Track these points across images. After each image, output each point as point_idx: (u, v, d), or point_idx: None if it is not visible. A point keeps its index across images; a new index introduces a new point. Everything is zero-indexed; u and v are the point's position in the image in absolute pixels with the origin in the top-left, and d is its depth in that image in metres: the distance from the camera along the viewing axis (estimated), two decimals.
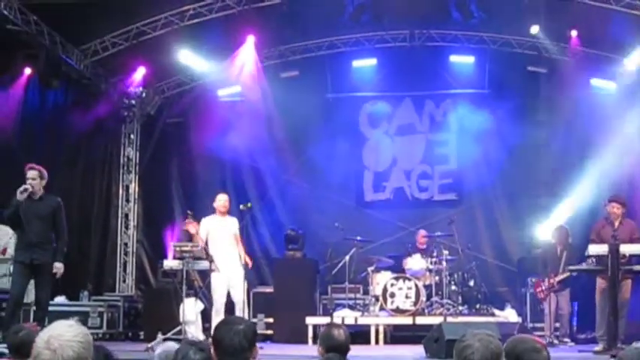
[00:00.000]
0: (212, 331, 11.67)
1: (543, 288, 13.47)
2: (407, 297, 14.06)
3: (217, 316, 12.18)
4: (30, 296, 11.84)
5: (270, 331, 15.21)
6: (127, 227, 18.89)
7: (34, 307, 11.31)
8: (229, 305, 12.70)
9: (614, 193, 12.62)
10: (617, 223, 11.66)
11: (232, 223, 12.82)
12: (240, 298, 12.39)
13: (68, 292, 15.73)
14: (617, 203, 11.90)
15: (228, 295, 12.53)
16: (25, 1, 14.08)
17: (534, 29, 16.36)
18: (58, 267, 10.98)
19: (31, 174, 10.97)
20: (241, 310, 12.39)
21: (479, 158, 18.13)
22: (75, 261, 15.74)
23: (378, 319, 14.10)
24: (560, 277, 13.26)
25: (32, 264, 10.89)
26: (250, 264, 13.14)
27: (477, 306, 15.12)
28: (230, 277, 12.34)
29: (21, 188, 10.79)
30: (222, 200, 12.89)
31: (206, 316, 13.73)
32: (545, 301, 13.54)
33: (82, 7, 14.34)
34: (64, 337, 3.95)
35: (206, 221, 12.76)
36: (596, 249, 11.00)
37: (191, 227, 13.32)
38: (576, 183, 17.27)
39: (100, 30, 16.48)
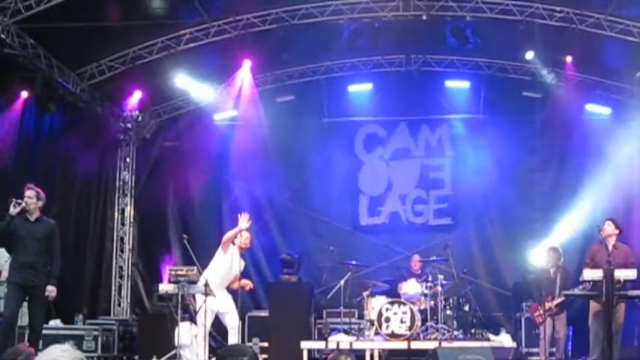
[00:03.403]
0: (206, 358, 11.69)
1: (541, 312, 13.44)
2: (402, 321, 14.00)
3: (204, 342, 12.16)
4: (24, 319, 11.81)
5: (265, 355, 15.17)
6: (122, 250, 18.85)
7: (28, 330, 11.27)
8: (222, 330, 12.67)
9: (609, 216, 12.65)
10: (611, 247, 11.68)
11: (241, 263, 12.76)
12: (235, 323, 12.35)
13: (63, 316, 15.68)
14: (613, 223, 11.95)
15: (218, 318, 12.49)
16: (22, 25, 14.12)
17: (529, 55, 16.43)
18: (50, 290, 10.95)
19: (28, 193, 11.02)
20: (236, 336, 12.34)
21: (474, 183, 18.18)
22: (70, 284, 15.72)
23: (373, 344, 14.04)
24: (558, 300, 13.24)
25: (26, 285, 10.88)
26: (250, 286, 13.12)
27: (472, 331, 15.09)
28: (219, 305, 12.29)
29: (14, 202, 10.83)
30: (246, 237, 12.80)
31: None
32: (542, 325, 13.50)
33: (78, 30, 14.40)
34: None
35: (230, 248, 12.63)
36: (590, 274, 10.99)
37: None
38: (571, 207, 17.33)
39: (96, 54, 16.54)
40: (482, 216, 18.31)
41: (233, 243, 12.51)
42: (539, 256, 16.36)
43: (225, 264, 12.46)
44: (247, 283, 12.94)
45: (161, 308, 15.85)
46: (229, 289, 12.67)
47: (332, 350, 13.00)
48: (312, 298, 16.20)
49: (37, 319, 11.10)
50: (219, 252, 12.50)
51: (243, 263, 12.86)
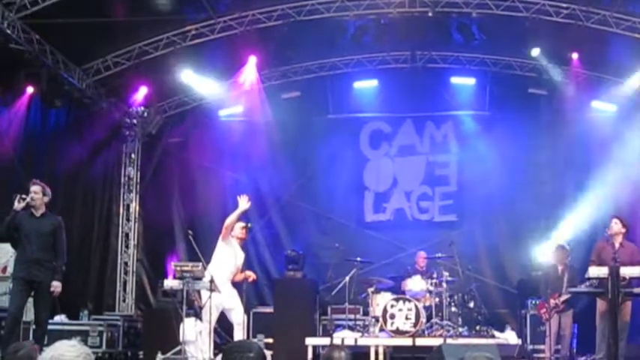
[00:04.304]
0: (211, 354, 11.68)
1: (548, 308, 13.40)
2: (407, 318, 13.99)
3: (209, 338, 12.16)
4: (29, 315, 11.81)
5: (269, 352, 15.15)
6: (127, 246, 18.88)
7: (34, 326, 11.27)
8: (227, 326, 12.66)
9: (615, 214, 12.64)
10: (617, 245, 11.68)
11: (241, 255, 12.79)
12: (240, 319, 12.34)
13: (68, 311, 15.70)
14: (620, 221, 11.95)
15: (223, 314, 12.48)
16: (28, 20, 14.13)
17: (535, 52, 16.42)
18: (56, 285, 10.94)
19: (33, 188, 11.02)
20: (241, 332, 12.33)
21: (479, 180, 18.16)
22: (75, 280, 15.75)
23: (377, 340, 14.02)
24: (565, 297, 13.19)
25: (31, 280, 10.87)
26: (253, 277, 13.12)
27: (477, 328, 15.06)
28: (225, 302, 12.27)
29: (19, 197, 10.83)
30: (241, 228, 12.81)
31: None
32: (549, 322, 13.46)
33: (84, 26, 14.41)
34: (66, 357, 3.94)
35: (229, 240, 12.64)
36: (596, 271, 10.96)
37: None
38: (577, 205, 17.31)
39: (102, 49, 16.56)
40: (488, 213, 18.27)
41: (231, 235, 12.55)
42: (545, 252, 16.37)
43: (228, 255, 12.46)
44: (250, 275, 12.95)
45: (166, 304, 15.82)
46: (234, 283, 12.67)
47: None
48: (317, 295, 16.19)
49: (42, 314, 11.08)
50: (220, 243, 12.52)
51: (243, 255, 12.88)
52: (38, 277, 10.86)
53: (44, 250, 10.96)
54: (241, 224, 12.82)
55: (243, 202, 12.37)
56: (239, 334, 12.30)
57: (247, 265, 13.21)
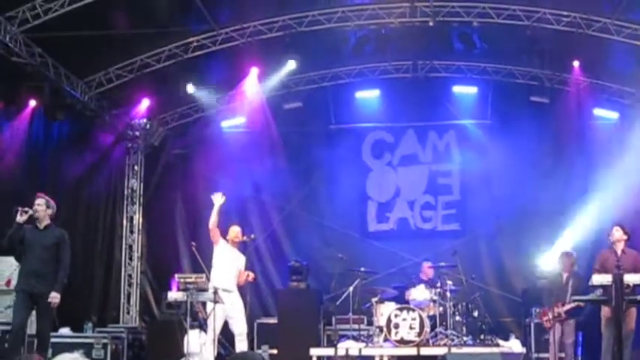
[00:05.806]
0: None
1: (550, 317, 13.35)
2: (411, 328, 13.97)
3: (213, 347, 12.17)
4: (34, 328, 11.82)
5: None
6: (130, 258, 18.87)
7: (36, 339, 11.26)
8: (233, 337, 12.65)
9: (617, 222, 12.61)
10: (619, 252, 11.67)
11: (241, 258, 12.81)
12: (241, 330, 12.32)
13: (72, 324, 15.70)
14: (621, 229, 11.95)
15: (227, 325, 12.48)
16: (30, 34, 14.17)
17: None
18: (53, 296, 10.84)
19: (37, 201, 11.06)
20: (242, 342, 12.31)
21: (482, 188, 18.17)
22: (79, 292, 15.76)
23: (382, 350, 14.01)
24: (568, 306, 13.12)
25: (32, 292, 10.86)
26: (252, 276, 13.09)
27: (482, 336, 15.02)
28: (228, 309, 12.27)
29: (20, 210, 10.83)
30: (235, 232, 12.87)
31: None
32: (551, 331, 13.42)
33: (86, 39, 14.45)
34: None
35: (222, 244, 12.68)
36: (599, 279, 10.95)
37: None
38: (579, 213, 17.29)
39: (104, 62, 16.59)
40: (491, 221, 18.22)
41: (225, 240, 12.59)
42: (549, 261, 16.33)
43: (227, 260, 12.48)
44: (249, 274, 12.93)
45: (170, 316, 15.83)
46: (239, 288, 12.67)
47: (341, 357, 13.01)
48: (321, 305, 16.18)
49: (43, 327, 11.03)
50: (215, 249, 12.61)
51: (244, 258, 12.89)
52: (39, 290, 10.83)
53: (46, 263, 10.94)
54: (236, 227, 12.88)
55: (217, 198, 12.55)
56: (240, 345, 12.28)
57: (253, 274, 13.19)
